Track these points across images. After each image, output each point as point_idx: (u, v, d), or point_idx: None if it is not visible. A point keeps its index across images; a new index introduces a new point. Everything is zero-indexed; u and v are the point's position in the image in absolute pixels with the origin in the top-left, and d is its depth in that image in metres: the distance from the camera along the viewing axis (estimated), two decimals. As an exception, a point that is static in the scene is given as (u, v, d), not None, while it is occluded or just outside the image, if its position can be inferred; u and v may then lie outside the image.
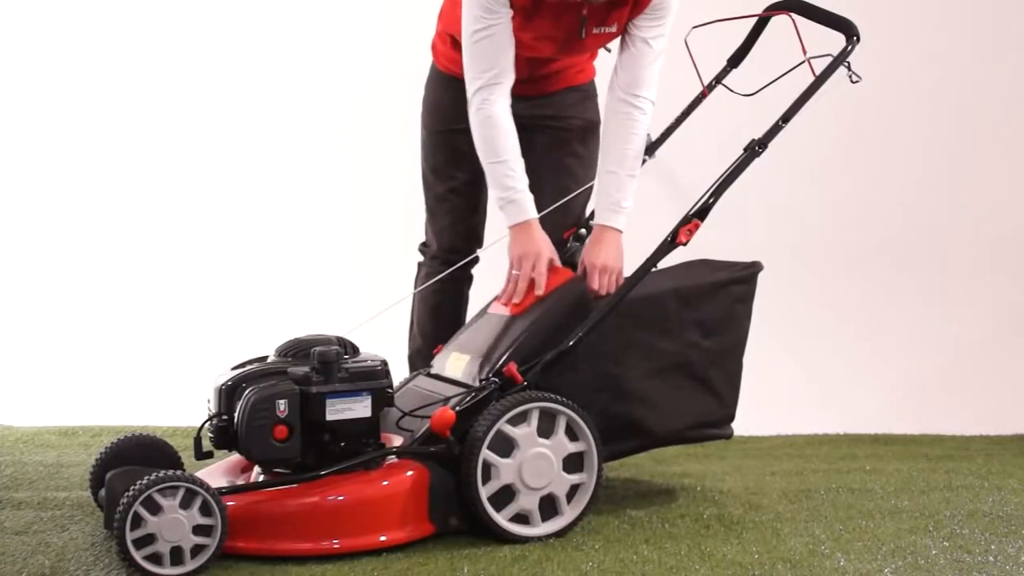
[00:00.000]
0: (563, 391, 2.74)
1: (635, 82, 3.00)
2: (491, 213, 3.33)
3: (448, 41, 3.19)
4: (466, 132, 3.06)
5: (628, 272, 2.93)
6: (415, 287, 3.35)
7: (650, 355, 2.91)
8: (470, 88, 2.95)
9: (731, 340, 3.02)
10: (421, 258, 3.40)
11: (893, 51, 4.53)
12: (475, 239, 3.30)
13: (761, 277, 3.06)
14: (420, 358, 3.30)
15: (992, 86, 4.73)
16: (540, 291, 2.91)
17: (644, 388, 2.90)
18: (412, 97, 3.35)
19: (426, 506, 2.65)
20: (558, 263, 2.98)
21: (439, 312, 3.34)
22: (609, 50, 3.16)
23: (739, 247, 3.16)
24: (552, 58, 3.10)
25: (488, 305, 3.07)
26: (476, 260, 3.33)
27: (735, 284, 3.03)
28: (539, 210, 3.05)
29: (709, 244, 3.04)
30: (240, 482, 2.70)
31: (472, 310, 3.27)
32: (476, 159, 3.05)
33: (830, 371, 4.46)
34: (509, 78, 2.95)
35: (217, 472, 2.80)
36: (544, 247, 2.95)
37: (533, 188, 3.02)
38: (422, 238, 3.39)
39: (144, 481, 2.39)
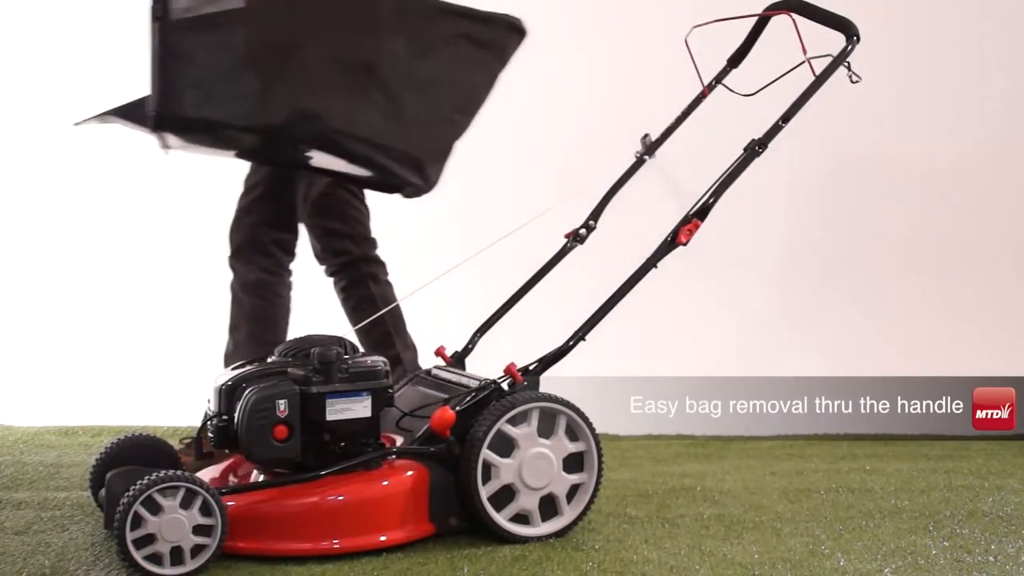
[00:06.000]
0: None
1: None
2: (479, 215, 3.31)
3: None
4: None
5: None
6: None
7: (339, 43, 2.60)
8: None
9: (452, 81, 2.70)
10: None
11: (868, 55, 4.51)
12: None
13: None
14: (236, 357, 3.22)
15: (968, 93, 4.71)
16: None
17: (321, 72, 2.63)
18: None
19: (426, 506, 2.65)
20: None
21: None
22: None
23: (742, 247, 3.15)
24: None
25: None
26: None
27: (476, 22, 2.70)
28: None
29: (717, 243, 3.01)
30: (240, 482, 2.70)
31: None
32: None
33: (830, 371, 4.45)
34: None
35: (217, 472, 2.81)
36: None
37: None
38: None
39: (144, 481, 2.39)
